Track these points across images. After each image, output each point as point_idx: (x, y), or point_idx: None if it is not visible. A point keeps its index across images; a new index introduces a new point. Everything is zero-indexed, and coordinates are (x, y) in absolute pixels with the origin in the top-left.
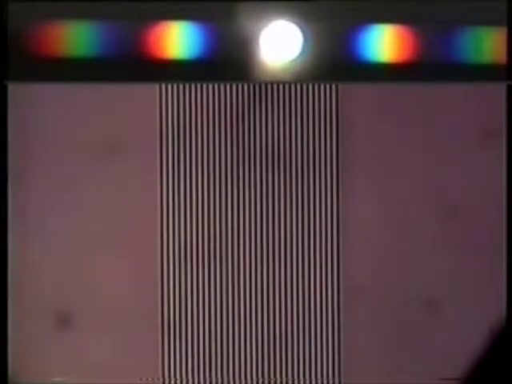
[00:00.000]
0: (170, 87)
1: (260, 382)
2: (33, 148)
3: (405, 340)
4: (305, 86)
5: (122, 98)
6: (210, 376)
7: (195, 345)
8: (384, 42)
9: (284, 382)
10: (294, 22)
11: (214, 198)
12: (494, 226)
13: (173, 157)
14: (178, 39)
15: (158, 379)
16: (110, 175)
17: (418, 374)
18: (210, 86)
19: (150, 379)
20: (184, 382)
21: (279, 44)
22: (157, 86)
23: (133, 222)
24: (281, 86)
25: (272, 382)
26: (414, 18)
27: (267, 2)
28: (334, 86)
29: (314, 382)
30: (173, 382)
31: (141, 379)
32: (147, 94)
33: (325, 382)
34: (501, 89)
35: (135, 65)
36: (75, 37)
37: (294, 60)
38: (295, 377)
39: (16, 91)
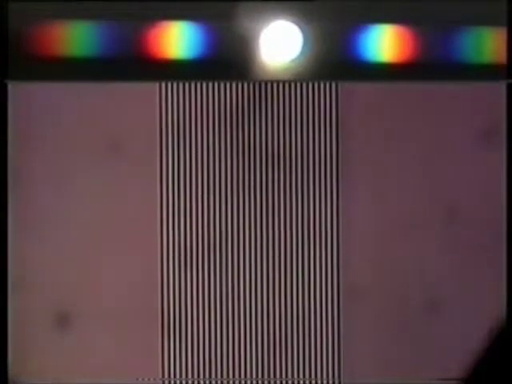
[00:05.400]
0: (170, 86)
1: (260, 381)
2: (33, 147)
3: (405, 340)
4: (305, 85)
5: (122, 98)
6: (210, 376)
7: (195, 345)
8: (384, 42)
9: (284, 381)
10: (294, 21)
11: (214, 198)
12: (494, 226)
13: (173, 156)
14: (177, 39)
15: (158, 379)
16: (110, 175)
17: (418, 374)
18: (210, 85)
19: (150, 379)
20: (184, 382)
21: (279, 44)
22: (157, 85)
23: (133, 221)
24: (281, 85)
25: (272, 381)
26: (414, 18)
27: (267, 2)
28: (333, 85)
29: (313, 382)
30: (173, 382)
31: (141, 379)
32: (147, 93)
33: (325, 381)
34: (501, 88)
35: (135, 64)
36: (75, 37)
37: (294, 59)
38: (295, 377)
39: (16, 90)
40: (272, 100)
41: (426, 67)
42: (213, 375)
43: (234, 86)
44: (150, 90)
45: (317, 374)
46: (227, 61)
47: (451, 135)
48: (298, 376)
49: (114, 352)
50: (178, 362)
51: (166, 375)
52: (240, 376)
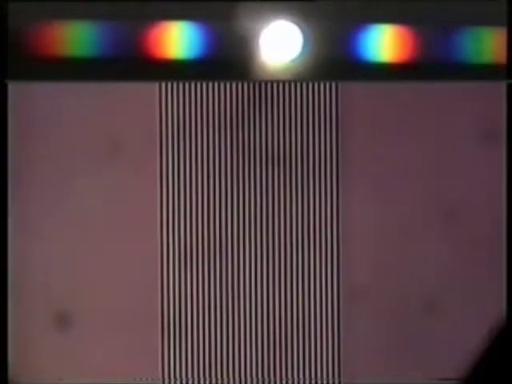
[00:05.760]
0: (170, 86)
1: (260, 382)
2: (33, 147)
3: (405, 340)
4: (305, 85)
5: (122, 98)
6: (210, 376)
7: (195, 345)
8: (384, 42)
9: (284, 381)
10: (294, 21)
11: (214, 198)
12: (494, 226)
13: (173, 156)
14: (177, 39)
15: (158, 379)
16: (110, 175)
17: (418, 374)
18: (210, 85)
19: (149, 379)
20: (184, 382)
21: (279, 44)
22: (157, 85)
23: (133, 221)
24: (281, 85)
25: (272, 381)
26: (414, 18)
27: (267, 2)
28: (334, 85)
29: (313, 381)
30: (173, 382)
31: (141, 379)
32: (147, 93)
33: (325, 381)
34: (501, 88)
35: (135, 64)
36: (75, 37)
37: (294, 59)
38: (295, 377)
39: (16, 91)
40: (272, 100)
41: (426, 67)
42: (213, 375)
43: (234, 86)
44: (150, 90)
45: (317, 373)
46: (227, 61)
47: (451, 135)
48: (298, 376)
49: (114, 352)
50: (178, 361)
51: (166, 375)
52: (240, 376)
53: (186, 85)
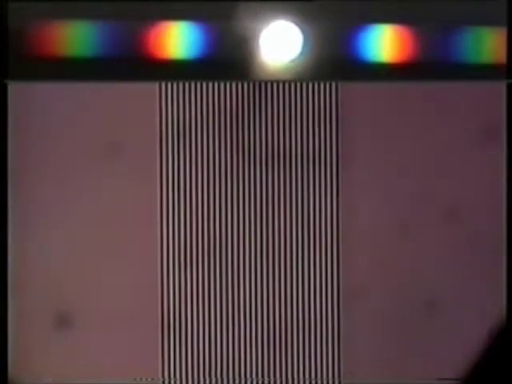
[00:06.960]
0: (170, 86)
1: (260, 381)
2: (33, 147)
3: (405, 340)
4: (305, 85)
5: (122, 98)
6: (210, 376)
7: (195, 345)
8: (384, 42)
9: (284, 381)
10: (294, 21)
11: (213, 198)
12: (494, 225)
13: (173, 156)
14: (177, 39)
15: (158, 379)
16: (110, 175)
17: (418, 374)
18: (210, 85)
19: (149, 379)
20: (184, 382)
21: (279, 44)
22: (157, 85)
23: (133, 221)
24: (281, 85)
25: (272, 381)
26: (414, 18)
27: (267, 2)
28: (334, 85)
29: (313, 381)
30: (173, 382)
31: (141, 379)
32: (147, 93)
33: (325, 381)
34: (501, 88)
35: (135, 64)
36: (75, 37)
37: (294, 59)
38: (295, 377)
39: (16, 90)
40: (272, 100)
41: (426, 67)
42: (213, 375)
43: (234, 86)
44: (150, 90)
45: (317, 374)
46: (227, 61)
47: (451, 135)
48: (298, 376)
49: (114, 352)
50: (178, 362)
51: (166, 375)
52: (240, 376)
53: (186, 85)
